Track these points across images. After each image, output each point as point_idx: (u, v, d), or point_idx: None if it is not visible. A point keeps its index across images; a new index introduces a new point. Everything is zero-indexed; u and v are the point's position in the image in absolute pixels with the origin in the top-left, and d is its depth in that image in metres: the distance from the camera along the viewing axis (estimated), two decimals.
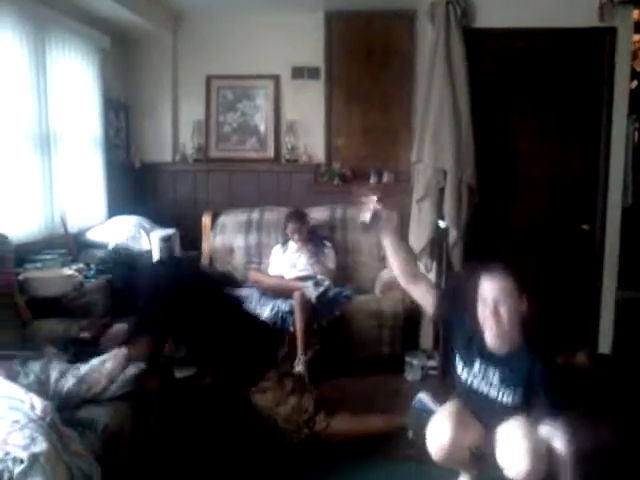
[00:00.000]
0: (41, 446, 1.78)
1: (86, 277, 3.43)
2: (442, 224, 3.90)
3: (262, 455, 2.78)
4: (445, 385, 3.64)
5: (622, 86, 4.04)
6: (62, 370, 2.29)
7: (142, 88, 4.78)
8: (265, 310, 3.74)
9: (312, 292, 3.72)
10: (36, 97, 3.52)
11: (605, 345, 4.15)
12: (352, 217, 4.44)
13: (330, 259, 4.19)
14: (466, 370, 2.27)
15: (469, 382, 2.27)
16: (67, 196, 3.85)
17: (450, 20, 3.91)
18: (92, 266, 3.54)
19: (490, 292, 2.13)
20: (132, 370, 2.38)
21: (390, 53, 4.62)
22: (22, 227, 3.43)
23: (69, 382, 2.23)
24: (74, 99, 3.93)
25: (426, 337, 4.17)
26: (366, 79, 4.65)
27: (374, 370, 3.81)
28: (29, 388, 2.10)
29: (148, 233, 3.91)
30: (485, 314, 2.15)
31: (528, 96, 4.13)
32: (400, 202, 4.34)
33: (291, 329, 3.68)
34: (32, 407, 1.93)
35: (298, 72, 4.67)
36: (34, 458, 1.74)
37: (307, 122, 4.70)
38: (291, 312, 3.65)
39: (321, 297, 3.75)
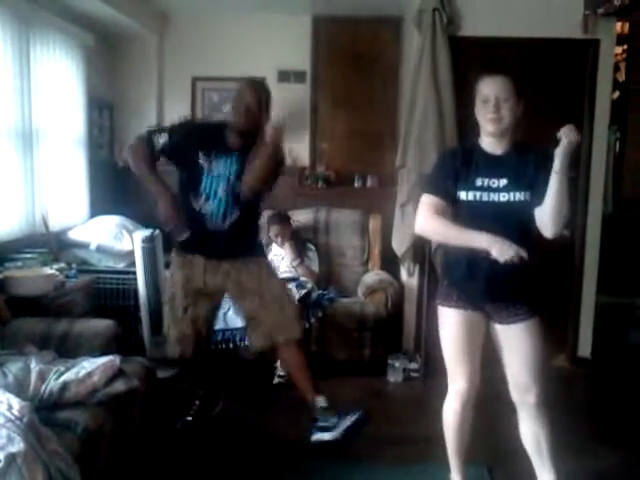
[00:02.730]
0: (18, 446, 1.75)
1: (67, 277, 3.40)
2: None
3: (243, 458, 2.79)
4: (426, 387, 3.68)
5: (604, 97, 4.10)
6: (43, 371, 2.26)
7: (127, 87, 4.75)
8: None
9: (295, 294, 3.72)
10: (19, 94, 3.48)
11: (585, 349, 4.21)
12: (336, 220, 4.46)
13: (313, 262, 4.20)
14: (469, 192, 2.22)
15: (474, 198, 2.22)
16: (49, 195, 3.82)
17: (436, 27, 3.94)
18: (73, 265, 3.51)
19: (492, 90, 2.20)
20: (120, 386, 2.35)
21: (376, 58, 4.65)
22: (2, 225, 3.39)
23: (50, 387, 2.21)
24: (57, 97, 3.90)
25: (408, 339, 4.20)
26: (352, 84, 4.68)
27: (356, 372, 3.84)
28: (7, 388, 2.08)
29: (130, 233, 3.88)
30: (487, 111, 2.20)
31: None
32: (384, 206, 4.37)
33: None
34: (10, 407, 1.91)
35: (284, 75, 4.67)
36: (11, 458, 1.72)
37: (292, 125, 4.69)
38: None
39: (304, 299, 3.75)
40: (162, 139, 2.84)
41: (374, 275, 4.24)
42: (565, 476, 2.31)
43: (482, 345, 2.34)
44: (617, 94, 4.89)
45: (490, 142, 2.26)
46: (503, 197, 2.19)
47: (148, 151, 2.84)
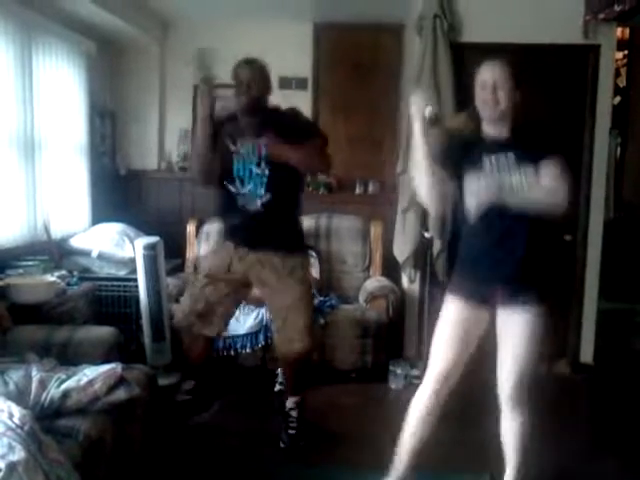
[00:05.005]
0: (19, 455, 1.75)
1: (69, 284, 3.40)
2: (426, 234, 3.94)
3: (244, 465, 2.78)
4: None
5: (605, 102, 4.11)
6: (44, 379, 2.26)
7: (128, 95, 4.76)
8: (249, 318, 3.74)
9: None
10: (21, 102, 3.49)
11: (587, 354, 4.20)
12: (337, 226, 4.46)
13: (314, 268, 4.19)
14: (476, 175, 2.23)
15: (483, 183, 2.21)
16: (50, 202, 3.82)
17: (437, 34, 3.96)
18: (75, 273, 3.51)
19: (490, 75, 2.24)
20: (122, 394, 2.33)
21: (377, 65, 4.66)
22: (4, 233, 3.40)
23: (51, 394, 2.20)
24: (60, 105, 3.91)
25: (409, 346, 4.19)
26: (353, 90, 4.68)
27: (358, 379, 3.83)
28: (8, 396, 2.07)
29: (132, 241, 3.88)
30: (485, 97, 2.24)
31: None
32: (385, 212, 4.37)
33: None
34: (10, 415, 1.90)
35: (286, 82, 4.67)
36: (12, 467, 1.71)
37: None
38: None
39: None
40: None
41: (375, 282, 4.23)
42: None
43: (476, 345, 2.35)
44: (618, 99, 4.90)
45: (490, 128, 2.29)
46: (514, 178, 2.20)
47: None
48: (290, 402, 3.03)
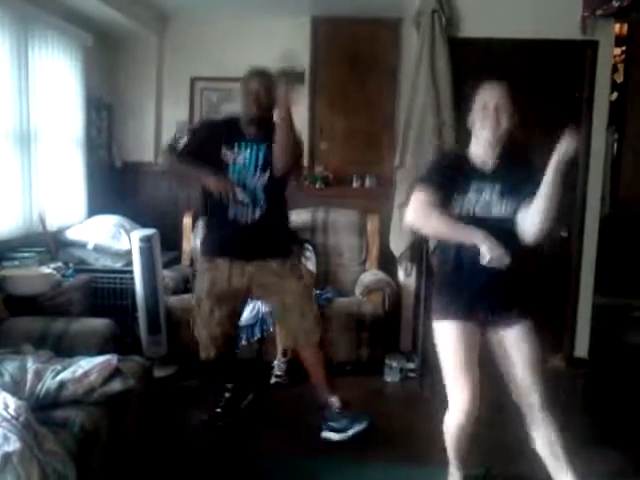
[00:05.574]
0: (14, 445, 1.76)
1: (64, 276, 3.40)
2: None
3: (239, 458, 2.79)
4: (423, 387, 3.68)
5: (602, 98, 4.11)
6: (39, 370, 2.27)
7: (125, 87, 4.75)
8: (245, 311, 3.73)
9: None
10: (17, 94, 3.48)
11: (582, 349, 4.22)
12: (334, 220, 4.47)
13: (311, 262, 4.20)
14: (460, 201, 2.24)
15: (466, 212, 2.24)
16: (46, 194, 3.81)
17: (435, 29, 3.95)
18: (70, 265, 3.51)
19: (492, 97, 2.24)
20: (117, 385, 2.34)
21: (375, 60, 4.64)
22: (0, 224, 3.39)
23: (47, 386, 2.21)
24: (56, 97, 3.90)
25: (405, 339, 4.21)
26: (351, 85, 4.67)
27: (353, 372, 3.84)
28: (3, 387, 2.08)
29: (128, 233, 3.88)
30: (485, 117, 2.23)
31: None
32: (382, 206, 4.38)
33: (271, 329, 3.70)
34: (6, 406, 1.91)
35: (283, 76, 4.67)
36: (7, 457, 1.72)
37: None
38: (270, 313, 3.65)
39: None
40: (182, 142, 2.97)
41: (372, 275, 4.24)
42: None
43: (477, 358, 2.34)
44: (615, 95, 4.89)
45: (483, 152, 2.27)
46: (495, 211, 2.22)
47: (174, 156, 2.96)
48: (336, 400, 3.02)
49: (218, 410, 3.14)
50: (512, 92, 2.27)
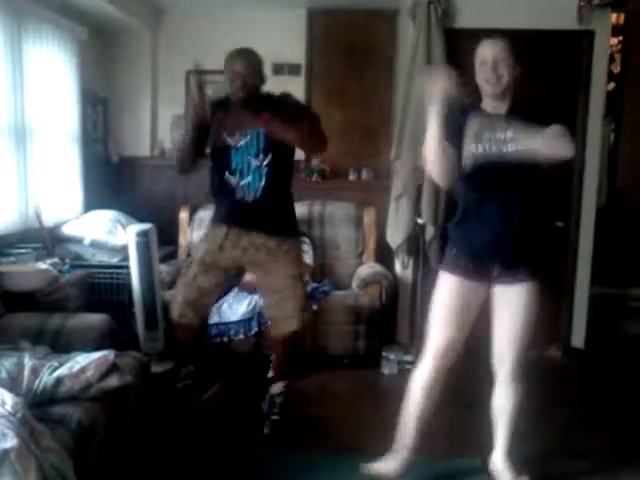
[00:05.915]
0: (11, 442, 1.75)
1: (61, 271, 3.40)
2: (420, 221, 3.95)
3: (237, 450, 2.80)
4: None
5: (599, 88, 4.10)
6: (36, 367, 2.27)
7: (121, 81, 4.73)
8: (242, 305, 3.74)
9: None
10: (12, 89, 3.46)
11: (578, 339, 4.24)
12: (330, 213, 4.46)
13: (308, 255, 4.19)
14: (477, 144, 2.23)
15: (483, 150, 2.22)
16: (42, 190, 3.80)
17: (431, 20, 3.95)
18: (67, 260, 3.51)
19: (491, 52, 2.26)
20: (114, 381, 2.34)
21: (371, 51, 4.63)
22: None
23: (44, 382, 2.21)
24: (51, 91, 3.88)
25: (402, 332, 4.22)
26: (347, 76, 4.66)
27: (351, 365, 3.85)
28: (0, 384, 2.08)
29: (125, 228, 3.87)
30: (486, 74, 2.25)
31: None
32: (378, 199, 4.37)
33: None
34: (3, 403, 1.91)
35: (279, 68, 4.65)
36: (4, 454, 1.71)
37: None
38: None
39: None
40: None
41: (368, 268, 4.24)
42: (557, 466, 2.33)
43: (474, 318, 2.36)
44: (612, 85, 4.89)
45: (491, 104, 2.30)
46: (511, 148, 2.20)
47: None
48: (276, 388, 3.06)
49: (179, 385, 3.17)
50: (511, 46, 2.28)
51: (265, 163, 2.86)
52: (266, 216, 2.92)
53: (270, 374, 3.60)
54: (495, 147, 2.21)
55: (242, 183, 2.87)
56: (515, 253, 2.30)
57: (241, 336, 3.71)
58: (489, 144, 2.22)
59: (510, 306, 2.31)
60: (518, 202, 2.25)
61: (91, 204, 4.29)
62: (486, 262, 2.31)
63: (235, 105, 2.88)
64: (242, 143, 2.86)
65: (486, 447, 2.54)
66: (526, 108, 2.29)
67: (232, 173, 2.88)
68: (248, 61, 2.83)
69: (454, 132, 2.25)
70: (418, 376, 2.42)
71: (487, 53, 2.27)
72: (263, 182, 2.87)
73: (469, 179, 2.28)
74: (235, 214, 2.93)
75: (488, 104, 2.32)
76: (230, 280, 3.15)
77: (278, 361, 3.12)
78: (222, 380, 3.34)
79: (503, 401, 2.38)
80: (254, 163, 2.86)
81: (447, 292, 2.35)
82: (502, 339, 2.33)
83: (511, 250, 2.29)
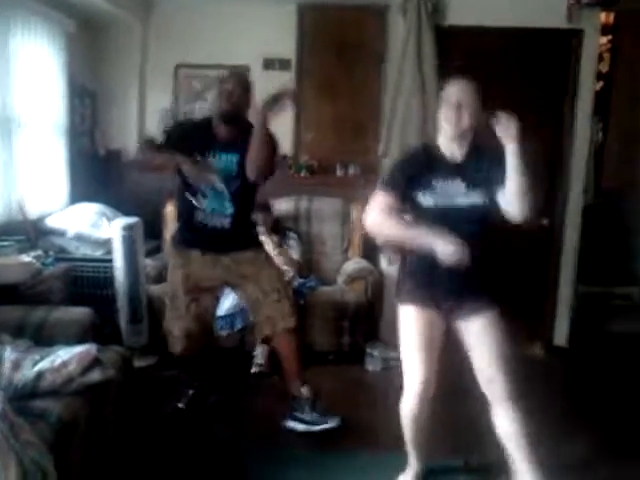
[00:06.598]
0: None
1: (44, 264, 3.37)
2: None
3: (220, 446, 2.80)
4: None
5: (587, 87, 4.12)
6: (17, 360, 2.25)
7: (109, 74, 4.69)
8: (226, 300, 3.73)
9: None
10: None
11: (561, 337, 4.26)
12: (317, 209, 4.46)
13: (295, 250, 4.20)
14: (426, 195, 2.25)
15: (432, 204, 2.25)
16: (27, 182, 3.77)
17: (421, 16, 3.96)
18: (50, 253, 3.48)
19: (455, 93, 2.23)
20: (96, 375, 2.33)
21: (361, 47, 4.61)
22: None
23: (25, 376, 2.20)
24: (38, 84, 3.84)
25: (387, 328, 4.20)
26: (336, 72, 4.64)
27: (335, 361, 3.86)
28: None
29: (110, 221, 3.85)
30: (447, 114, 2.23)
31: (495, 94, 4.15)
32: (366, 195, 4.36)
33: (252, 319, 3.68)
34: None
35: (269, 63, 4.64)
36: None
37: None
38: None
39: None
40: (159, 140, 2.99)
41: (354, 264, 4.24)
42: (542, 465, 2.33)
43: (441, 347, 2.35)
44: (601, 85, 4.90)
45: (449, 145, 2.28)
46: (462, 201, 2.23)
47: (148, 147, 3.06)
48: (306, 390, 3.01)
49: (180, 405, 3.13)
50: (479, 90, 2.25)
51: (234, 187, 2.86)
52: (236, 238, 2.94)
53: (254, 369, 3.61)
54: (447, 200, 2.23)
55: (203, 207, 2.87)
56: (471, 288, 2.29)
57: (226, 332, 3.70)
58: (441, 196, 2.23)
59: (484, 338, 2.29)
60: (471, 240, 2.19)
61: (77, 197, 4.26)
62: (441, 297, 2.30)
63: (217, 121, 2.87)
64: (216, 164, 2.84)
65: (470, 447, 2.55)
66: (484, 154, 2.27)
67: (194, 193, 2.87)
68: (240, 79, 2.88)
69: (408, 180, 2.26)
70: (405, 409, 2.39)
71: (453, 92, 2.24)
72: (231, 208, 2.87)
73: (420, 218, 2.28)
74: (208, 241, 2.93)
75: (446, 146, 2.29)
76: None
77: (296, 362, 3.04)
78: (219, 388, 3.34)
79: (509, 423, 2.31)
80: (218, 187, 2.85)
81: (409, 323, 2.34)
82: (484, 369, 2.30)
83: (466, 286, 2.28)
